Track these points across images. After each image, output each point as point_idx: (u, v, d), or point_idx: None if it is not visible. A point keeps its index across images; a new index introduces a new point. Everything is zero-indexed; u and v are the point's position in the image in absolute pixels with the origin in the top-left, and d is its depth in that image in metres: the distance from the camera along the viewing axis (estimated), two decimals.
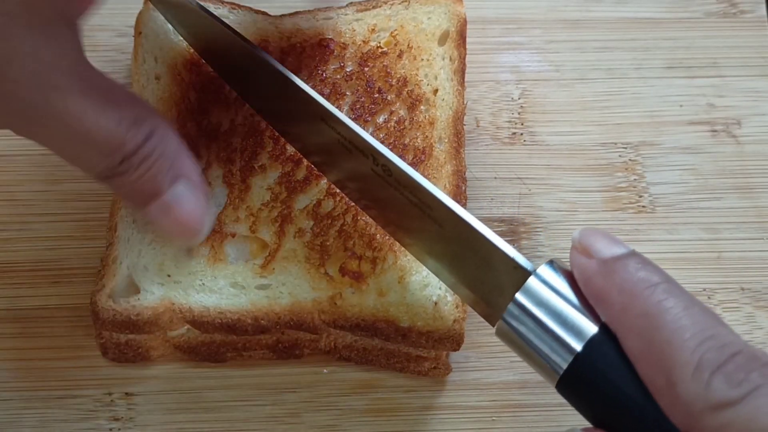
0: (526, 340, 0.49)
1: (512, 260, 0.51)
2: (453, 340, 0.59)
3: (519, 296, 0.49)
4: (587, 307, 0.48)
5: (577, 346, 0.47)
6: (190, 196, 0.59)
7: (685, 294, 0.47)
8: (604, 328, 0.48)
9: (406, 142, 0.64)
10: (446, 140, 0.64)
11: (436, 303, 0.60)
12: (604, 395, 0.46)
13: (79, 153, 0.56)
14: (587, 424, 0.48)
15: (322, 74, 0.66)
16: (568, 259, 0.49)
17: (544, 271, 0.50)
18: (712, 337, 0.45)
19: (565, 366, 0.47)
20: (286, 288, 0.60)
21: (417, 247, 0.57)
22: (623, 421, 0.46)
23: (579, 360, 0.47)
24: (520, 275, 0.50)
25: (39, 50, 0.53)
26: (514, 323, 0.49)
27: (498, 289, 0.52)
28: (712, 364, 0.44)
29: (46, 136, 0.56)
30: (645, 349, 0.45)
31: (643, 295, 0.46)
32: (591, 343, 0.47)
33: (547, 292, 0.49)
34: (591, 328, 0.47)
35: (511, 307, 0.49)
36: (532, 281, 0.49)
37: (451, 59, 0.67)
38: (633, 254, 0.48)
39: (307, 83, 0.65)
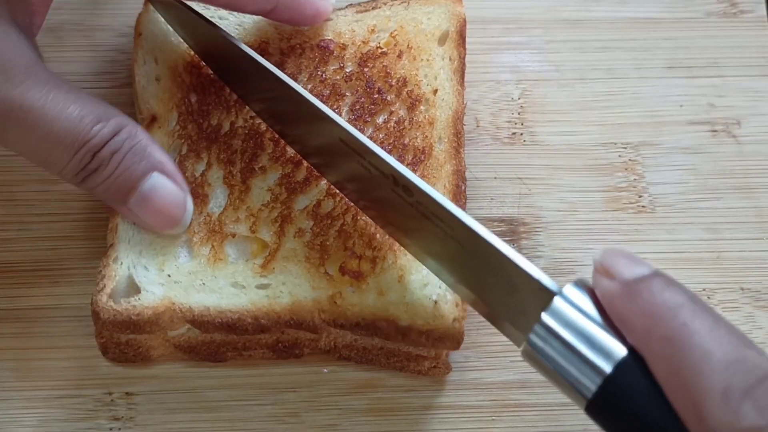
0: (552, 362, 0.48)
1: (537, 281, 0.50)
2: (453, 338, 0.59)
3: (545, 317, 0.48)
4: (614, 328, 0.47)
5: (607, 368, 0.46)
6: (166, 185, 0.59)
7: (711, 314, 0.45)
8: (632, 349, 0.46)
9: (405, 142, 0.64)
10: (446, 140, 0.64)
11: (435, 302, 0.60)
12: (634, 420, 0.45)
13: (47, 152, 0.57)
14: None
15: (322, 75, 0.66)
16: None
17: (570, 291, 0.49)
18: (740, 360, 0.43)
19: (594, 388, 0.46)
20: (286, 287, 0.60)
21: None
22: None
23: (609, 383, 0.46)
24: (545, 296, 0.49)
25: None
26: (541, 344, 0.48)
27: (522, 310, 0.51)
28: (740, 390, 0.42)
29: (12, 136, 0.56)
30: (671, 374, 0.44)
31: (667, 317, 0.45)
32: (621, 366, 0.46)
33: (574, 313, 0.48)
34: (620, 350, 0.46)
35: (537, 328, 0.48)
36: (557, 302, 0.48)
37: (450, 59, 0.67)
38: (656, 275, 0.47)
39: (307, 84, 0.65)
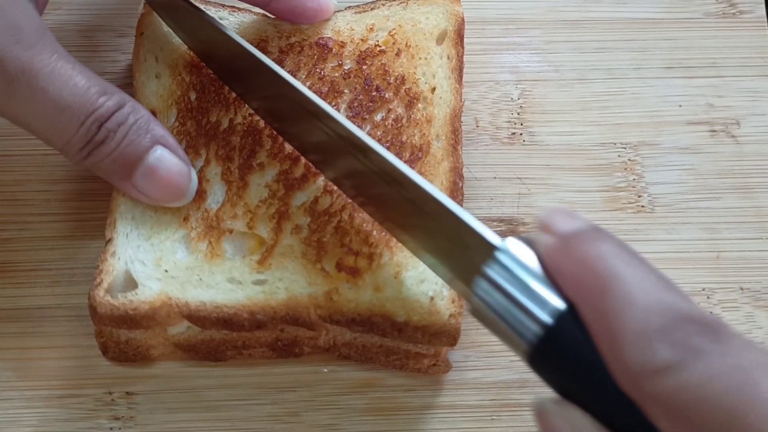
0: (497, 314, 0.48)
1: (480, 236, 0.50)
2: (449, 335, 0.59)
3: (488, 271, 0.48)
4: (555, 283, 0.47)
5: (548, 319, 0.46)
6: (170, 157, 0.60)
7: (639, 262, 0.45)
8: (570, 303, 0.46)
9: (403, 139, 0.64)
10: (443, 138, 0.65)
11: (432, 298, 0.60)
12: (570, 368, 0.46)
13: (54, 120, 0.57)
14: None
15: (321, 72, 0.66)
16: None
17: (512, 244, 0.49)
18: (659, 303, 0.43)
19: (535, 340, 0.46)
20: (282, 283, 0.60)
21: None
22: (586, 393, 0.45)
23: (549, 334, 0.46)
24: (490, 251, 0.49)
25: (7, 10, 0.53)
26: (484, 296, 0.48)
27: (472, 268, 0.50)
28: (655, 330, 0.42)
29: (20, 99, 0.56)
30: (597, 319, 0.44)
31: (596, 265, 0.45)
32: (560, 317, 0.46)
33: (515, 266, 0.48)
34: (559, 303, 0.46)
35: (479, 280, 0.48)
36: (499, 255, 0.48)
37: (448, 58, 0.67)
38: (591, 228, 0.47)
39: (306, 81, 0.66)
